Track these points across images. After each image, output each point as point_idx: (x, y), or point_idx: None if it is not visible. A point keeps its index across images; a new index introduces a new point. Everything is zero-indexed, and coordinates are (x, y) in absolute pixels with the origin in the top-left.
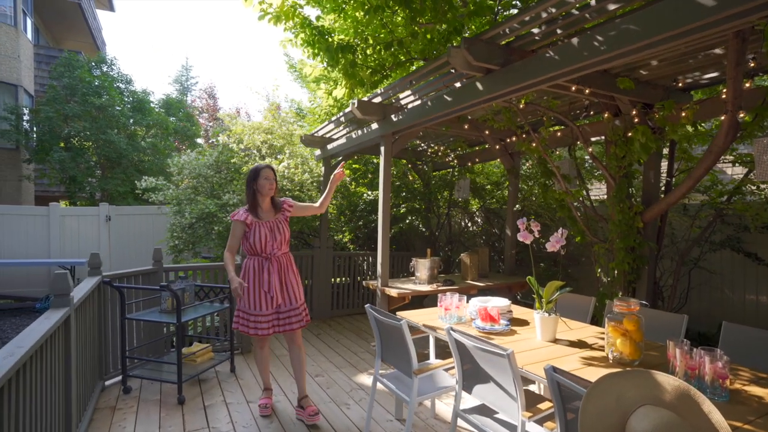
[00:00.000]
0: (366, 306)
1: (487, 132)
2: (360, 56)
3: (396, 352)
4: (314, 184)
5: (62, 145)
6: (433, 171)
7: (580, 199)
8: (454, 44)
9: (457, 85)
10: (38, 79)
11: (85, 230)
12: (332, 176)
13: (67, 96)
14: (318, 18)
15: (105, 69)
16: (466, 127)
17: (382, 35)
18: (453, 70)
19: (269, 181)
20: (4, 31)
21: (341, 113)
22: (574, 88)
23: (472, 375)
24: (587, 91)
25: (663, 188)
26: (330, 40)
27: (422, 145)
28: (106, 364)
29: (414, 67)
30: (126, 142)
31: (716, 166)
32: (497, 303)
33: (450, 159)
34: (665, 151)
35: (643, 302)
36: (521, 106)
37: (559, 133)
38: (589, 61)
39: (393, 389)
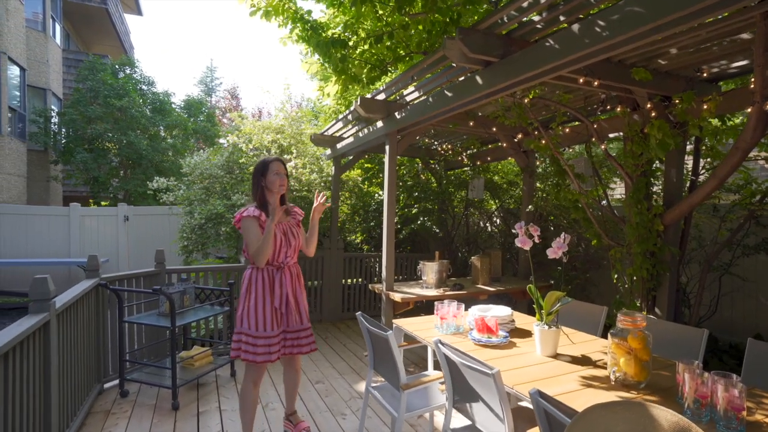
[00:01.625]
0: (357, 314)
1: (494, 129)
2: (357, 51)
3: (386, 364)
4: (323, 184)
5: (85, 146)
6: (446, 170)
7: (597, 199)
8: (454, 35)
9: (462, 79)
10: (67, 82)
11: (104, 230)
12: (312, 209)
13: (90, 98)
14: (308, 12)
15: (128, 71)
16: (471, 124)
17: (373, 28)
18: (454, 64)
19: (280, 176)
20: (34, 37)
21: (348, 111)
22: (582, 80)
23: (462, 392)
24: (596, 83)
25: (688, 188)
26: (323, 34)
27: (435, 143)
28: (105, 367)
29: (415, 62)
30: (146, 143)
31: (755, 164)
32: (498, 312)
33: (463, 158)
34: (690, 147)
35: (651, 316)
36: (526, 101)
37: (567, 129)
38: (591, 48)
39: (383, 403)
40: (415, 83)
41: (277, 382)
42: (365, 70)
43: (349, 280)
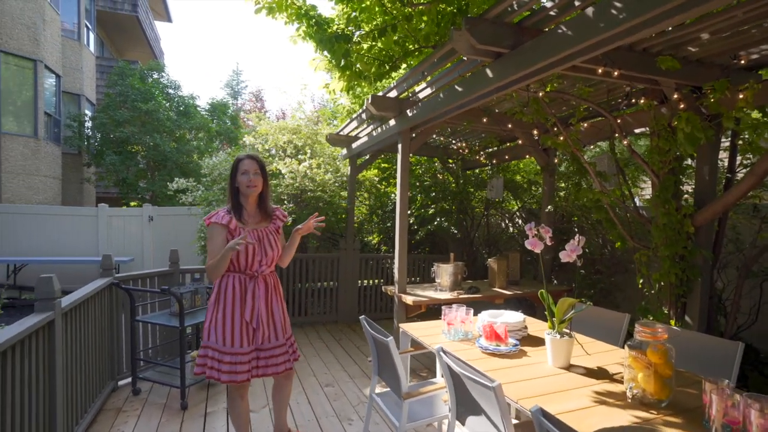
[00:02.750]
0: (361, 317)
1: (510, 125)
2: (364, 47)
3: (389, 371)
4: (337, 183)
5: (115, 149)
6: (465, 169)
7: (621, 199)
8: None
9: (471, 73)
10: (100, 88)
11: (130, 230)
12: (297, 228)
13: (119, 103)
14: (313, 7)
15: (155, 76)
16: (485, 120)
17: (378, 21)
18: (465, 58)
19: (247, 176)
20: (69, 46)
21: (362, 110)
22: (600, 71)
23: (465, 404)
24: (616, 73)
25: (723, 187)
26: (328, 30)
27: (453, 142)
28: (119, 365)
29: (425, 57)
30: (173, 145)
31: None
32: (509, 318)
33: (482, 157)
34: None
35: (675, 328)
36: (541, 94)
37: (585, 125)
38: (607, 33)
39: (386, 411)
40: (426, 79)
41: None
42: (374, 67)
43: (366, 281)
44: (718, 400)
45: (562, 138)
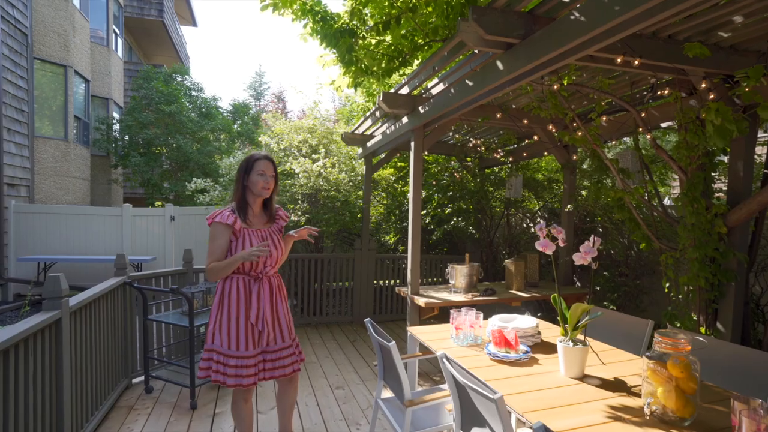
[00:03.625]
0: (366, 320)
1: (525, 121)
2: (372, 42)
3: (393, 376)
4: (351, 183)
5: (140, 150)
6: (482, 168)
7: (645, 197)
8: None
9: (481, 66)
10: (128, 92)
11: (153, 229)
12: (291, 233)
13: (144, 105)
14: (317, 2)
15: (179, 79)
16: (498, 116)
17: (381, 13)
18: (476, 51)
19: (264, 177)
20: (98, 51)
21: (375, 108)
22: (619, 60)
23: (470, 414)
24: (636, 62)
25: (761, 184)
26: (334, 26)
27: (471, 140)
28: (133, 362)
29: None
30: (193, 146)
31: None
32: (521, 323)
33: (500, 155)
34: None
35: (700, 338)
36: (555, 87)
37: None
38: (623, 17)
39: (390, 418)
40: (438, 74)
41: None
42: (383, 62)
43: (382, 282)
44: (749, 423)
45: (580, 133)
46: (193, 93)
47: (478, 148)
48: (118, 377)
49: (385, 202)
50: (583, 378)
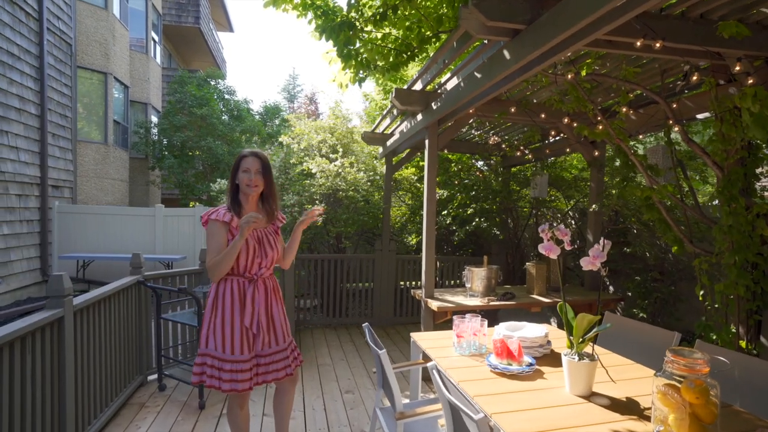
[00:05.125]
0: (364, 325)
1: (543, 115)
2: (376, 35)
3: (386, 385)
4: (370, 183)
5: (174, 153)
6: (506, 167)
7: (678, 196)
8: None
9: (489, 56)
10: (166, 96)
11: (183, 229)
12: (299, 221)
13: (178, 109)
14: None
15: (213, 83)
16: (513, 110)
17: (378, 7)
18: (486, 41)
19: (248, 174)
20: (138, 59)
21: (391, 106)
22: (639, 44)
23: (461, 431)
24: (657, 44)
25: None
26: (336, 20)
27: (494, 137)
28: (148, 360)
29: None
30: (224, 147)
31: None
32: (530, 332)
33: (525, 153)
34: None
35: (722, 359)
36: (570, 77)
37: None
38: None
39: (384, 428)
40: (449, 68)
41: (305, 388)
42: (391, 56)
43: (404, 283)
44: None
45: (601, 127)
46: (226, 96)
47: (502, 146)
48: (132, 374)
49: (409, 202)
50: (590, 396)
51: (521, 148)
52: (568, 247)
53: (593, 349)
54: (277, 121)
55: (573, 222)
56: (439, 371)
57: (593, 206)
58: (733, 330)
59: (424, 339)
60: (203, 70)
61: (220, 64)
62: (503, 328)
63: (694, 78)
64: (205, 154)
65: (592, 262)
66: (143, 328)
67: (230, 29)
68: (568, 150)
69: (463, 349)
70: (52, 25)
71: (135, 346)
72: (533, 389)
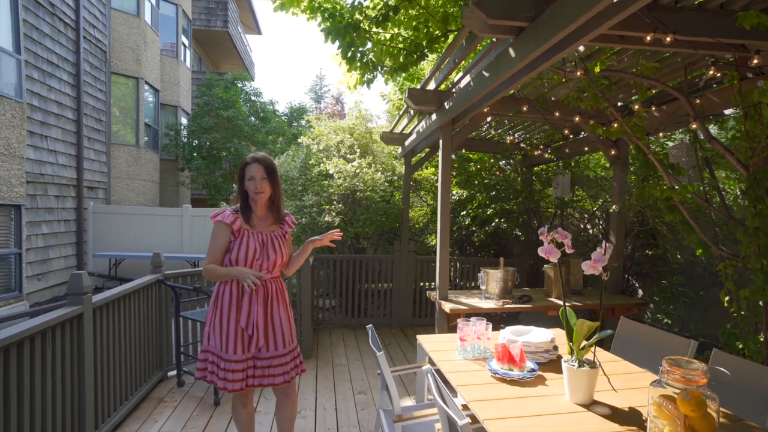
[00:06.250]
0: (368, 326)
1: (557, 114)
2: (384, 36)
3: (386, 387)
4: (388, 183)
5: (202, 154)
6: (527, 166)
7: (702, 196)
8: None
9: (495, 55)
10: (196, 99)
11: (209, 228)
12: (311, 239)
13: (205, 111)
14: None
15: (239, 85)
16: (524, 108)
17: (380, 7)
18: (494, 39)
19: (254, 182)
20: (169, 63)
21: (407, 106)
22: (649, 38)
23: None
24: (668, 38)
25: None
26: (342, 21)
27: (515, 136)
28: (168, 357)
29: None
30: (250, 148)
31: None
32: (535, 337)
33: (546, 152)
34: None
35: (722, 370)
36: (579, 73)
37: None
38: None
39: (385, 429)
40: (460, 67)
41: (318, 388)
42: (401, 57)
43: (423, 284)
44: None
45: (616, 125)
46: (252, 98)
47: (521, 145)
48: (152, 370)
49: (431, 202)
50: (591, 405)
51: (541, 146)
52: (569, 250)
53: (595, 356)
54: (302, 122)
55: (601, 223)
56: (434, 375)
57: (613, 207)
58: (761, 339)
59: (429, 342)
60: (231, 73)
61: (248, 67)
62: (508, 333)
63: (711, 72)
64: (232, 155)
65: (593, 266)
66: (163, 325)
67: (258, 32)
68: (586, 149)
69: (466, 353)
70: (88, 34)
71: (155, 343)
72: (532, 396)
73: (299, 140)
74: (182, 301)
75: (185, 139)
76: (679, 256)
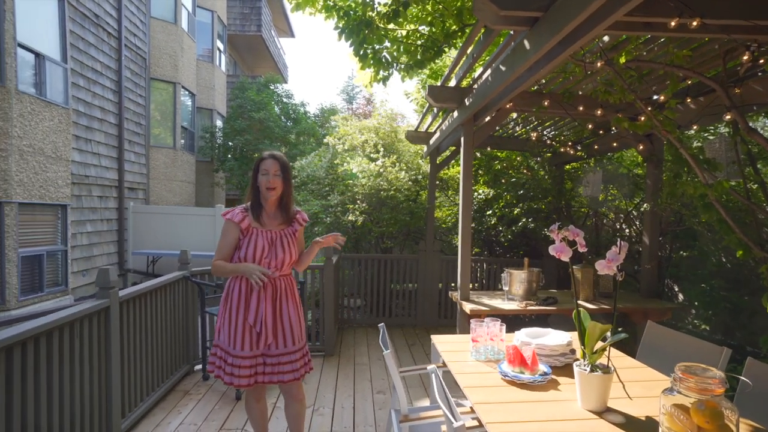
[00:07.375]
0: (380, 325)
1: (581, 108)
2: (399, 32)
3: (395, 387)
4: (411, 182)
5: (236, 155)
6: (557, 164)
7: (743, 194)
8: None
9: (511, 48)
10: (230, 102)
11: None
12: (317, 240)
13: (238, 114)
14: None
15: (272, 87)
16: (546, 103)
17: (391, 3)
18: (512, 32)
19: (267, 176)
20: (204, 68)
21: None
22: (674, 23)
23: None
24: (695, 23)
25: None
26: (357, 19)
27: (543, 132)
28: (195, 351)
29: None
30: (281, 150)
31: None
32: (551, 340)
33: (576, 149)
34: None
35: (744, 379)
36: (599, 65)
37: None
38: None
39: (395, 430)
40: (480, 62)
41: (338, 386)
42: (418, 53)
43: (451, 284)
44: None
45: (643, 119)
46: (284, 100)
47: (547, 142)
48: (179, 363)
49: (459, 202)
50: (604, 412)
51: (569, 143)
52: (581, 249)
53: (609, 360)
54: (333, 123)
55: (639, 222)
56: (437, 375)
57: (645, 205)
58: None
59: (442, 342)
60: (264, 76)
61: (281, 69)
62: (523, 335)
63: (746, 57)
64: None
65: (606, 265)
66: (190, 320)
67: (291, 35)
68: (614, 144)
69: (479, 354)
70: (129, 42)
71: (182, 337)
72: (542, 400)
73: (325, 140)
74: (207, 297)
75: (219, 141)
76: (723, 259)
